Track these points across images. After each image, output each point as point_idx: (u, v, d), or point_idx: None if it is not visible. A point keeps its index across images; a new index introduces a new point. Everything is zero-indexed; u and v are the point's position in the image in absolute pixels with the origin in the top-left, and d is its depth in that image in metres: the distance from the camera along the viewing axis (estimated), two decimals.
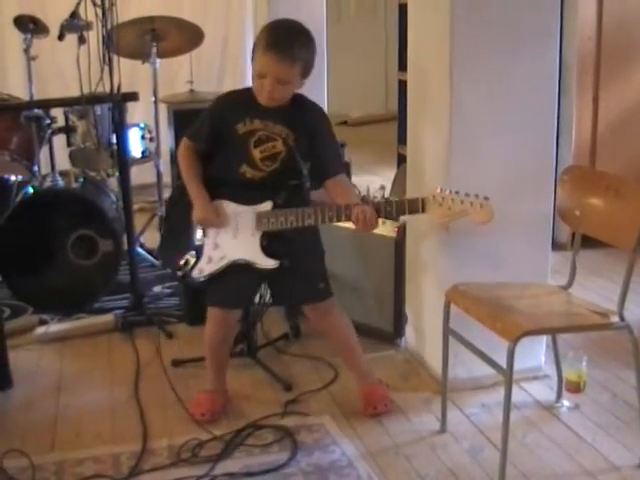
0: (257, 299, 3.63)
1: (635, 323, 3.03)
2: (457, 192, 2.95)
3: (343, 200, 3.16)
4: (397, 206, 3.05)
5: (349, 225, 3.96)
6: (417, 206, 3.00)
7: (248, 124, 3.24)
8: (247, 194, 3.26)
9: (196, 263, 3.33)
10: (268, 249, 3.23)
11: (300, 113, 3.26)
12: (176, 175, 4.36)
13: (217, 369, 3.54)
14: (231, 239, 3.28)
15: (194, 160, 3.34)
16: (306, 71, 3.18)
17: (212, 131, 3.30)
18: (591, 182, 3.26)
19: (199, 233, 3.35)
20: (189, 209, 3.32)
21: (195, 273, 3.33)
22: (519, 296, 3.18)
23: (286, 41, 3.11)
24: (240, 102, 3.29)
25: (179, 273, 3.40)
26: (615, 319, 2.97)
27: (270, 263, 3.22)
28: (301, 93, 3.30)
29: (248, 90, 3.25)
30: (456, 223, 3.36)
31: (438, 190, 2.95)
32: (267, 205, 3.22)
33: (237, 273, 3.28)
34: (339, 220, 3.14)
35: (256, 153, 3.24)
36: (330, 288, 3.44)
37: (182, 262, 3.37)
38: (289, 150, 3.24)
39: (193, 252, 3.36)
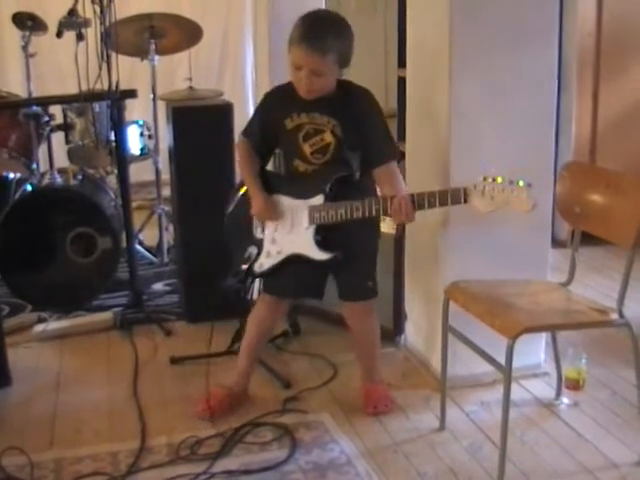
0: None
1: (635, 320, 3.02)
2: (502, 179, 2.87)
3: (389, 191, 3.14)
4: (440, 197, 3.00)
5: None
6: (459, 196, 2.94)
7: (295, 119, 3.26)
8: (300, 187, 3.28)
9: (257, 257, 3.37)
10: (322, 242, 3.24)
11: (346, 101, 3.25)
12: (177, 173, 4.35)
13: (250, 358, 3.54)
14: (287, 234, 3.31)
15: (251, 156, 3.37)
16: (343, 60, 3.17)
17: (263, 128, 3.34)
18: (590, 178, 3.25)
19: (259, 228, 3.39)
20: (249, 206, 3.35)
21: (256, 267, 3.38)
22: (518, 293, 3.17)
23: (318, 33, 3.10)
24: (286, 97, 3.30)
25: (243, 267, 3.42)
26: (614, 316, 2.97)
27: (323, 256, 3.23)
28: (348, 80, 3.28)
29: (291, 84, 3.24)
30: (457, 217, 3.39)
31: (481, 179, 2.89)
32: (319, 199, 3.22)
33: (296, 265, 3.31)
34: (385, 213, 3.12)
35: (306, 147, 3.27)
36: (377, 288, 3.45)
37: (246, 256, 3.41)
38: (338, 141, 3.24)
39: (254, 247, 3.39)
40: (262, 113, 3.37)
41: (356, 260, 3.34)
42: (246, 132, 3.40)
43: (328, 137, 3.24)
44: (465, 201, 2.93)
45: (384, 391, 3.54)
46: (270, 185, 3.34)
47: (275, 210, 3.31)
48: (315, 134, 3.25)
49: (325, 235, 3.24)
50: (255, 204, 3.31)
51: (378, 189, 3.29)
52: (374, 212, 3.11)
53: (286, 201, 3.31)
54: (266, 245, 3.36)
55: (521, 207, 2.84)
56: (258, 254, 3.38)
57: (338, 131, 3.23)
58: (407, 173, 3.90)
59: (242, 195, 3.44)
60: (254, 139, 3.36)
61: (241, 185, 3.47)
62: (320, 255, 3.24)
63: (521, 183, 2.83)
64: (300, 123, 3.26)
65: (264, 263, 3.36)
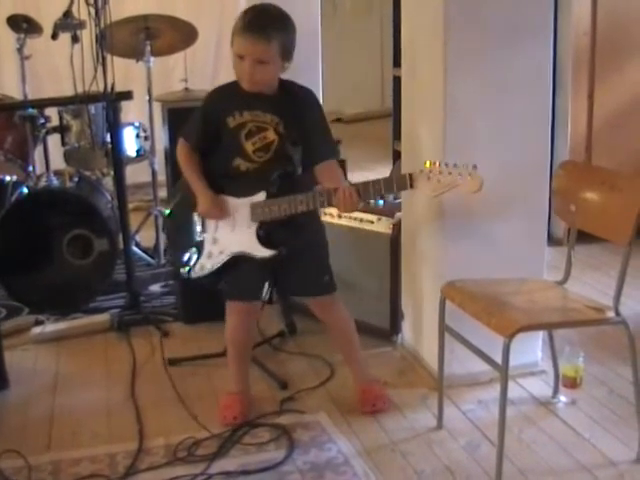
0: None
1: (631, 318, 3.03)
2: (446, 164, 2.92)
3: (331, 185, 3.15)
4: (385, 184, 3.02)
5: (344, 222, 4.01)
6: (405, 182, 2.97)
7: (238, 117, 3.24)
8: (242, 186, 3.26)
9: (198, 259, 3.35)
10: (265, 239, 3.24)
11: (289, 99, 3.26)
12: (174, 174, 4.34)
13: (241, 367, 3.52)
14: (229, 233, 3.30)
15: (192, 157, 3.34)
16: (286, 52, 3.17)
17: (205, 128, 3.31)
18: (586, 177, 3.26)
19: (198, 229, 3.37)
20: (191, 207, 3.34)
21: (197, 269, 3.36)
22: (514, 292, 3.17)
23: (261, 22, 3.12)
24: (228, 96, 3.30)
25: (184, 270, 3.41)
26: (611, 314, 2.97)
27: (266, 253, 3.23)
28: (290, 80, 3.30)
29: (235, 83, 3.24)
30: (453, 216, 3.40)
31: (427, 164, 2.93)
32: (261, 195, 3.22)
33: (246, 266, 3.30)
34: (330, 204, 3.13)
35: (248, 145, 3.25)
36: (334, 282, 3.46)
37: (185, 259, 3.39)
38: (280, 138, 3.24)
39: (194, 249, 3.37)
40: (204, 113, 3.34)
41: (306, 256, 3.35)
42: (186, 135, 3.37)
43: (271, 135, 3.24)
44: (412, 186, 2.96)
45: (380, 390, 3.55)
46: (211, 185, 3.30)
47: (223, 207, 3.28)
48: (258, 132, 3.24)
49: (269, 232, 3.24)
50: (202, 203, 3.29)
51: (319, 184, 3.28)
52: (318, 204, 3.13)
53: (228, 200, 3.29)
54: (207, 246, 3.34)
55: (469, 188, 2.89)
56: (199, 256, 3.36)
57: (281, 128, 3.23)
58: (403, 171, 3.90)
59: (181, 197, 3.43)
60: (194, 141, 3.33)
61: (179, 185, 3.46)
62: (263, 252, 3.23)
63: (466, 165, 2.89)
64: (243, 121, 3.24)
65: (205, 264, 3.34)
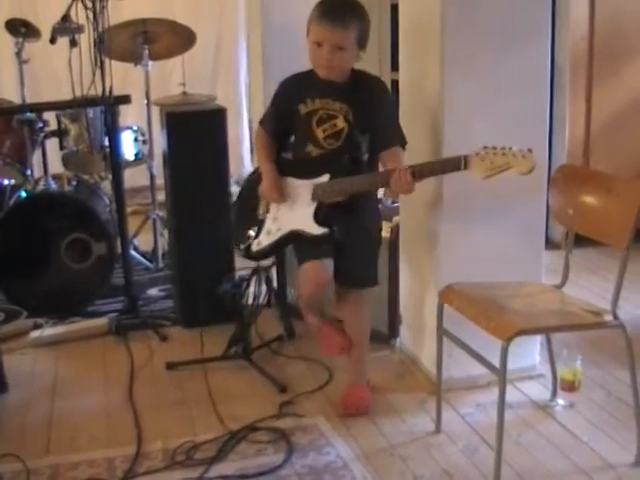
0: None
1: (629, 321, 3.03)
2: (502, 147, 2.94)
3: (391, 167, 3.19)
4: (439, 165, 3.11)
5: None
6: (459, 163, 2.99)
7: (309, 104, 3.33)
8: (309, 169, 3.34)
9: (257, 237, 3.43)
10: (321, 218, 3.28)
11: (359, 87, 3.33)
12: (172, 177, 4.35)
13: (322, 313, 3.55)
14: (288, 211, 3.37)
15: (267, 144, 3.46)
16: (362, 40, 3.25)
17: (278, 115, 3.43)
18: (583, 181, 3.26)
19: (262, 209, 3.45)
20: (257, 189, 3.45)
21: (254, 246, 3.44)
22: (512, 295, 3.18)
23: (339, 9, 3.21)
24: (300, 83, 3.40)
25: (242, 246, 3.48)
26: (609, 318, 2.97)
27: (319, 230, 3.27)
28: (361, 69, 3.36)
29: (308, 72, 3.34)
30: (451, 219, 3.40)
31: (482, 147, 2.95)
32: (325, 177, 3.28)
33: (301, 242, 3.37)
34: (387, 185, 3.18)
35: (319, 132, 3.33)
36: (377, 278, 3.53)
37: (247, 236, 3.48)
38: (350, 126, 3.30)
39: (255, 227, 3.46)
40: (278, 100, 3.47)
41: (359, 246, 3.40)
42: (262, 121, 3.51)
43: (341, 123, 3.31)
44: (466, 167, 2.98)
45: (362, 393, 3.54)
46: (282, 169, 3.41)
47: (282, 190, 3.37)
48: (328, 119, 3.32)
49: (326, 213, 3.28)
50: (265, 181, 3.39)
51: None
52: (378, 184, 3.23)
53: (292, 182, 3.37)
54: (267, 223, 3.42)
55: (521, 168, 2.91)
56: (258, 233, 3.43)
57: (350, 117, 3.30)
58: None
59: (250, 179, 3.56)
60: (270, 127, 3.46)
61: (254, 173, 3.55)
62: (316, 230, 3.27)
63: (521, 148, 2.91)
64: (314, 109, 3.33)
65: (262, 241, 3.42)
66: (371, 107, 3.30)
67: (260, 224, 3.44)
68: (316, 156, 3.35)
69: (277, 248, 3.47)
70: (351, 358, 3.60)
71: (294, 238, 3.36)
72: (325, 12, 3.19)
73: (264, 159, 3.44)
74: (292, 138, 3.50)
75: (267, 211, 3.44)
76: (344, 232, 3.30)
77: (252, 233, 3.46)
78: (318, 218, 3.28)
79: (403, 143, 3.34)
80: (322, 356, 3.71)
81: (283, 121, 3.43)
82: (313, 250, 3.37)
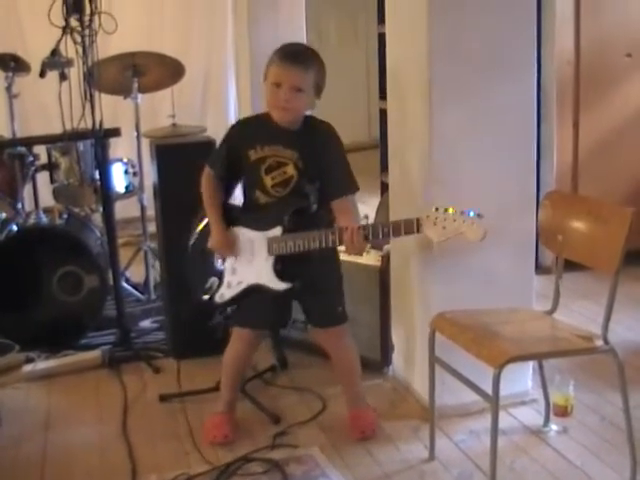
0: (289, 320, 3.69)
1: (620, 344, 3.05)
2: (453, 210, 2.95)
3: (344, 222, 3.20)
4: (394, 227, 3.07)
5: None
6: (412, 227, 3.00)
7: (259, 151, 3.33)
8: (260, 219, 3.34)
9: (218, 288, 3.43)
10: (281, 272, 3.30)
11: (310, 134, 3.34)
12: (162, 209, 4.37)
13: (234, 390, 3.62)
14: (247, 264, 3.37)
15: (214, 187, 3.43)
16: (318, 86, 3.29)
17: (228, 158, 3.40)
18: (572, 207, 3.28)
19: (219, 260, 3.45)
20: (207, 235, 3.45)
21: (217, 297, 3.44)
22: (503, 322, 3.19)
23: (298, 52, 3.30)
24: (252, 128, 3.42)
25: (205, 297, 3.48)
26: (599, 343, 2.98)
27: (282, 286, 3.29)
28: (311, 115, 3.40)
29: (259, 116, 3.38)
30: (441, 247, 3.41)
31: (433, 209, 2.96)
32: (277, 231, 3.28)
33: (260, 296, 3.37)
34: (341, 243, 3.17)
35: (268, 180, 3.33)
36: (346, 312, 3.53)
37: (207, 286, 3.48)
38: (299, 174, 3.31)
39: (215, 278, 3.45)
40: (228, 143, 3.42)
41: (322, 288, 3.42)
42: (211, 162, 3.46)
43: (290, 170, 3.31)
44: (418, 231, 2.99)
45: (370, 416, 3.57)
46: (230, 217, 3.41)
47: (232, 244, 3.37)
48: (278, 167, 3.32)
49: (285, 265, 3.30)
50: (213, 237, 3.39)
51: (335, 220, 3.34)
52: (330, 242, 3.17)
53: (245, 232, 3.37)
54: (227, 276, 3.42)
55: (472, 236, 2.91)
56: (219, 285, 3.43)
57: (300, 164, 3.31)
58: (391, 203, 3.93)
59: (204, 227, 3.50)
60: (219, 169, 3.42)
61: (203, 216, 3.52)
62: (279, 285, 3.29)
63: (472, 213, 2.91)
64: (263, 155, 3.33)
65: (225, 293, 3.42)
66: (322, 154, 3.32)
67: (219, 275, 3.45)
68: (264, 203, 3.36)
69: (239, 300, 3.43)
70: (346, 387, 3.63)
71: (255, 291, 3.36)
72: (286, 54, 3.24)
73: (212, 210, 3.41)
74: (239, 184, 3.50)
75: (224, 262, 3.44)
76: (306, 278, 3.32)
77: (213, 284, 3.46)
78: (278, 272, 3.29)
79: (355, 190, 3.36)
80: (209, 440, 3.52)
81: (232, 164, 3.39)
82: (257, 313, 3.44)
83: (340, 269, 3.55)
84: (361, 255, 3.26)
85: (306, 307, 3.52)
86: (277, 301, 3.41)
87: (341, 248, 3.26)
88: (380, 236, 3.11)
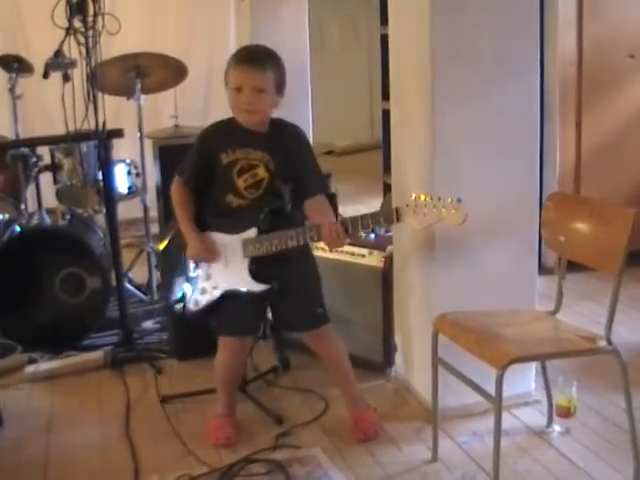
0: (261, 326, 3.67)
1: (624, 345, 3.05)
2: (431, 197, 2.98)
3: (319, 220, 3.22)
4: (372, 218, 3.07)
5: (335, 256, 4.02)
6: (392, 216, 3.03)
7: (230, 154, 3.33)
8: (233, 222, 3.32)
9: (192, 295, 3.42)
10: (257, 274, 3.29)
11: (279, 136, 3.35)
12: (165, 210, 4.36)
13: (230, 394, 3.60)
14: (222, 269, 3.35)
15: (185, 195, 3.41)
16: (279, 85, 3.29)
17: (199, 164, 3.39)
18: (574, 207, 3.28)
19: (192, 265, 3.42)
20: (182, 246, 3.41)
21: (191, 305, 3.42)
22: (506, 323, 3.19)
23: (254, 53, 3.31)
24: (222, 132, 3.39)
25: (178, 306, 3.46)
26: (602, 343, 2.98)
27: (259, 287, 3.28)
28: (279, 117, 3.39)
29: (229, 120, 3.36)
30: (443, 248, 3.41)
31: (412, 197, 2.98)
32: (252, 232, 3.27)
33: (238, 301, 3.35)
34: (319, 239, 3.18)
35: (240, 182, 3.32)
36: (327, 314, 3.50)
37: (180, 295, 3.45)
38: (271, 175, 3.31)
39: (188, 284, 3.44)
40: (199, 148, 3.42)
41: (299, 289, 3.41)
42: (182, 170, 3.44)
43: (262, 172, 3.32)
44: (398, 220, 3.01)
45: (373, 417, 3.56)
46: (203, 223, 3.39)
47: (212, 248, 3.36)
48: (249, 169, 3.32)
49: (260, 268, 3.29)
50: (191, 245, 3.37)
51: (308, 219, 3.36)
52: (308, 239, 3.19)
53: (219, 237, 3.36)
54: (200, 282, 3.40)
55: (454, 221, 2.94)
56: (193, 292, 3.42)
57: (271, 166, 3.32)
58: (394, 203, 3.91)
59: (173, 234, 3.50)
60: (189, 176, 3.41)
61: (172, 223, 3.51)
62: (256, 287, 3.29)
63: (449, 199, 2.93)
64: (235, 158, 3.33)
65: (200, 300, 3.40)
66: (292, 155, 3.33)
67: (192, 281, 3.43)
68: (237, 206, 3.34)
69: (216, 306, 3.40)
70: (342, 389, 3.63)
71: (232, 296, 3.35)
72: (242, 57, 3.27)
73: (184, 217, 3.39)
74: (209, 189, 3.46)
75: (197, 267, 3.42)
76: (283, 283, 3.31)
77: (187, 292, 3.44)
78: (255, 275, 3.29)
79: (325, 190, 3.40)
80: (209, 442, 3.52)
81: (203, 171, 3.38)
82: (238, 320, 3.42)
83: (317, 269, 3.54)
84: (341, 248, 3.24)
85: (284, 312, 3.48)
86: (255, 305, 3.39)
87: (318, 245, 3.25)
88: (360, 228, 3.11)
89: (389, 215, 3.03)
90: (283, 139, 3.34)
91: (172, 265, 3.51)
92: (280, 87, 3.30)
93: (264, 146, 3.31)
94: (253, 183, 3.32)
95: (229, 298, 3.36)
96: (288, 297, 3.37)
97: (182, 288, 3.46)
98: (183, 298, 3.45)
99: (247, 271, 3.29)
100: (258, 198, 3.33)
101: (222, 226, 3.35)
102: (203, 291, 3.39)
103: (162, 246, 3.58)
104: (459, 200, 2.93)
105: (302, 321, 3.50)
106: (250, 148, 3.31)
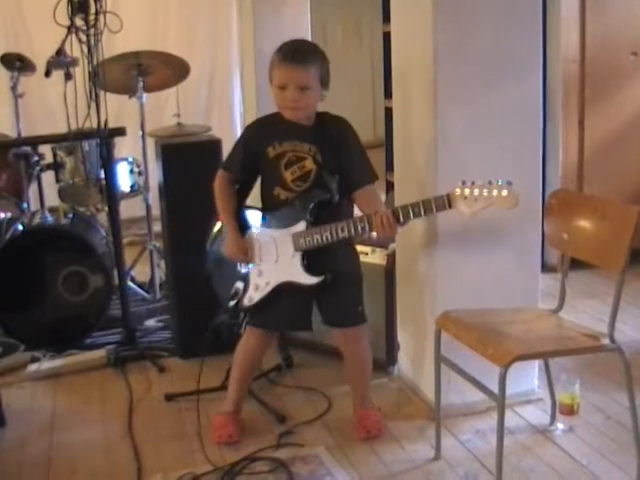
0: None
1: (627, 343, 3.04)
2: (481, 182, 2.94)
3: (369, 210, 3.20)
4: (424, 205, 3.05)
5: None
6: (443, 202, 2.99)
7: (277, 147, 3.33)
8: (281, 216, 3.33)
9: (245, 292, 3.41)
10: (310, 267, 3.29)
11: (325, 128, 3.34)
12: (168, 208, 4.37)
13: (242, 389, 3.61)
14: (273, 264, 3.36)
15: (228, 192, 3.42)
16: (324, 79, 3.28)
17: (245, 159, 3.40)
18: (578, 205, 3.27)
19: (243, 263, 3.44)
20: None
21: (245, 301, 3.42)
22: (509, 321, 3.18)
23: (298, 51, 3.26)
24: (268, 127, 3.40)
25: (231, 303, 3.46)
26: (606, 341, 2.97)
27: (314, 280, 3.28)
28: (325, 111, 3.38)
29: (274, 115, 3.36)
30: (446, 246, 3.41)
31: (460, 183, 2.95)
32: (301, 225, 3.27)
33: (286, 296, 3.36)
34: (370, 230, 3.16)
35: (287, 175, 3.33)
36: (365, 313, 3.51)
37: (232, 292, 3.45)
38: (318, 167, 3.31)
39: (240, 281, 3.43)
40: (244, 144, 3.42)
41: (343, 286, 3.39)
42: (227, 165, 3.46)
43: (309, 164, 3.31)
44: (450, 206, 2.98)
45: (376, 416, 3.56)
46: (251, 219, 3.40)
47: (245, 251, 3.37)
48: (296, 161, 3.32)
49: (311, 261, 3.29)
50: (227, 244, 3.40)
51: (357, 211, 3.35)
52: (360, 230, 3.17)
53: (268, 233, 3.36)
54: (253, 279, 3.40)
55: (505, 204, 2.91)
56: (245, 288, 3.41)
57: (318, 158, 3.30)
58: (396, 202, 3.91)
59: (220, 231, 3.50)
60: (235, 172, 3.42)
61: (217, 220, 3.51)
62: (310, 280, 3.28)
63: (500, 182, 2.90)
64: (282, 151, 3.33)
65: (253, 296, 3.40)
66: (340, 147, 3.32)
67: (244, 278, 3.43)
68: (286, 199, 3.34)
69: (265, 301, 3.41)
70: (355, 387, 3.62)
71: (285, 289, 3.34)
72: (285, 55, 3.23)
73: (226, 215, 3.40)
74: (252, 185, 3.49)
75: (247, 264, 3.42)
76: (333, 272, 3.30)
77: (240, 287, 3.44)
78: (308, 267, 3.28)
79: (374, 179, 3.37)
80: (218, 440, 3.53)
81: (250, 165, 3.39)
82: (280, 315, 3.42)
83: (360, 268, 3.54)
84: (393, 238, 3.21)
85: (326, 306, 3.46)
86: (302, 302, 3.40)
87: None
88: (411, 216, 3.07)
89: (440, 201, 3.00)
90: (329, 131, 3.33)
91: (222, 262, 3.50)
92: (325, 81, 3.29)
93: (310, 138, 3.31)
94: (301, 175, 3.32)
95: (278, 292, 3.36)
96: (334, 292, 3.35)
97: (235, 285, 3.45)
98: (236, 295, 3.44)
99: (300, 265, 3.29)
100: (306, 190, 3.32)
101: (269, 221, 3.36)
102: (256, 287, 3.39)
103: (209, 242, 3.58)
104: (509, 183, 2.90)
105: (342, 317, 3.49)
106: (297, 140, 3.31)
